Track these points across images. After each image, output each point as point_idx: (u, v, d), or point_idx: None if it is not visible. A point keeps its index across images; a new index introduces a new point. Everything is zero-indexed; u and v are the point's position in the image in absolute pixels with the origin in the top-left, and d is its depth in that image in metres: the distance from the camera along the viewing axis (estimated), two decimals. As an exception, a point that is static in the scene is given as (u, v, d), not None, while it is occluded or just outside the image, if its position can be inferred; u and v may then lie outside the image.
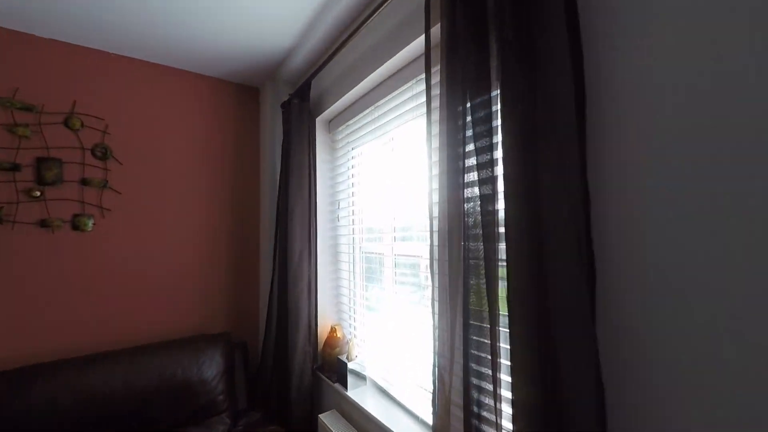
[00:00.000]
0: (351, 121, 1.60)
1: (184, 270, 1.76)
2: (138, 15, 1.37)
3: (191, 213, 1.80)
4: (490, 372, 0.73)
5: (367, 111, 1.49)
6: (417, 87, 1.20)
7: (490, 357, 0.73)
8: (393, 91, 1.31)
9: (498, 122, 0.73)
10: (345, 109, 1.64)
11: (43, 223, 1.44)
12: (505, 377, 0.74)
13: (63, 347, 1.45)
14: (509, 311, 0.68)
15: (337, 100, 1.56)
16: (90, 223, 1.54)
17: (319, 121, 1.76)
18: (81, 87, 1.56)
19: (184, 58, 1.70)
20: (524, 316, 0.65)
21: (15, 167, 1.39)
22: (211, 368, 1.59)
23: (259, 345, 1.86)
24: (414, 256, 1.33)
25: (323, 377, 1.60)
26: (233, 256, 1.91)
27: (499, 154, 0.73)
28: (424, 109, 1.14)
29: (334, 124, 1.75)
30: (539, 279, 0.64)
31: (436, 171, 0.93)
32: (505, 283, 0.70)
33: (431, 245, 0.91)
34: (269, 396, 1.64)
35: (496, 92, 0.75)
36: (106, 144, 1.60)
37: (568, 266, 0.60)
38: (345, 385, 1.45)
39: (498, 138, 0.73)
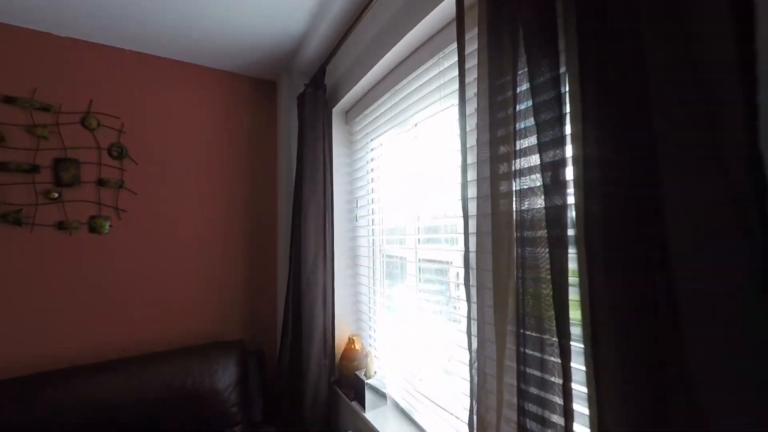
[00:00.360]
0: (369, 110, 1.44)
1: (199, 274, 1.70)
2: (152, 7, 1.30)
3: (206, 214, 1.74)
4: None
5: (385, 96, 1.32)
6: (444, 62, 1.01)
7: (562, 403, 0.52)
8: (414, 70, 1.12)
9: (566, 88, 0.52)
10: (362, 97, 1.48)
11: (61, 226, 1.42)
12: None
13: (74, 352, 1.43)
14: (596, 334, 0.47)
15: (353, 86, 1.40)
16: (107, 225, 1.51)
17: (336, 112, 1.62)
18: (97, 85, 1.53)
19: (196, 49, 1.63)
20: (625, 351, 0.44)
21: (34, 168, 1.39)
22: (224, 378, 1.50)
23: (277, 353, 1.75)
24: (442, 261, 1.14)
25: (340, 393, 1.45)
26: (250, 259, 1.82)
27: (569, 129, 0.52)
28: (453, 88, 0.95)
29: (351, 114, 1.59)
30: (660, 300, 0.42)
31: (471, 159, 0.74)
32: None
33: (466, 251, 0.72)
34: (284, 410, 1.52)
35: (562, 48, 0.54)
36: (121, 143, 1.56)
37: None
38: (363, 405, 1.29)
39: (568, 109, 0.52)
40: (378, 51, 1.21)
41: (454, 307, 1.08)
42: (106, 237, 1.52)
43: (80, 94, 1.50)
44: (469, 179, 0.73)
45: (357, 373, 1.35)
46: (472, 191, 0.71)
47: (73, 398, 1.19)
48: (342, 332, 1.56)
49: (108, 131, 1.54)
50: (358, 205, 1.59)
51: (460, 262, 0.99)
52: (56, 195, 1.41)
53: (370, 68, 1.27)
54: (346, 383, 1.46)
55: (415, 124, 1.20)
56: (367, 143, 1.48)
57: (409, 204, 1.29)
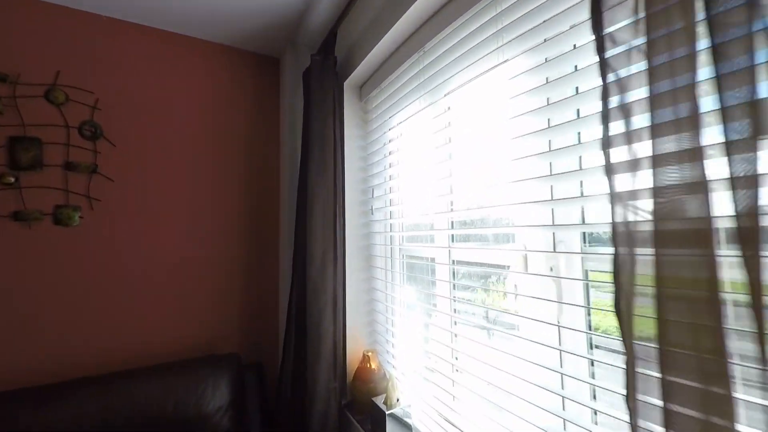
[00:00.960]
0: (389, 80, 1.20)
1: (187, 276, 1.46)
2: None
3: (197, 207, 1.50)
4: None
5: (411, 60, 1.08)
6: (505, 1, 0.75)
7: None
8: (455, 18, 0.87)
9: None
10: (381, 65, 1.24)
11: (18, 216, 1.19)
12: None
13: (28, 371, 1.18)
14: None
15: (369, 52, 1.16)
16: (76, 216, 1.27)
17: (348, 86, 1.37)
18: (66, 55, 1.30)
19: (184, 17, 1.40)
20: None
21: (-15, 148, 1.15)
22: (214, 400, 1.26)
23: (278, 372, 1.51)
24: (493, 265, 0.89)
25: (353, 420, 1.20)
26: (248, 259, 1.58)
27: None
28: (517, 32, 0.70)
29: (366, 88, 1.35)
30: None
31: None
32: None
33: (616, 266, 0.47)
34: (284, 440, 1.27)
35: None
36: (96, 122, 1.33)
37: None
38: (382, 440, 1.04)
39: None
40: (402, 1, 0.96)
41: (512, 328, 0.84)
42: (75, 231, 1.28)
43: (45, 64, 1.26)
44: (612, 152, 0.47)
45: (376, 400, 1.10)
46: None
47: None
48: (355, 347, 1.32)
49: (79, 107, 1.31)
50: (374, 195, 1.35)
51: (519, 265, 0.75)
52: (12, 180, 1.17)
53: (392, 25, 1.02)
54: (360, 408, 1.21)
55: (447, 93, 0.96)
56: (385, 121, 1.24)
57: (440, 192, 1.05)
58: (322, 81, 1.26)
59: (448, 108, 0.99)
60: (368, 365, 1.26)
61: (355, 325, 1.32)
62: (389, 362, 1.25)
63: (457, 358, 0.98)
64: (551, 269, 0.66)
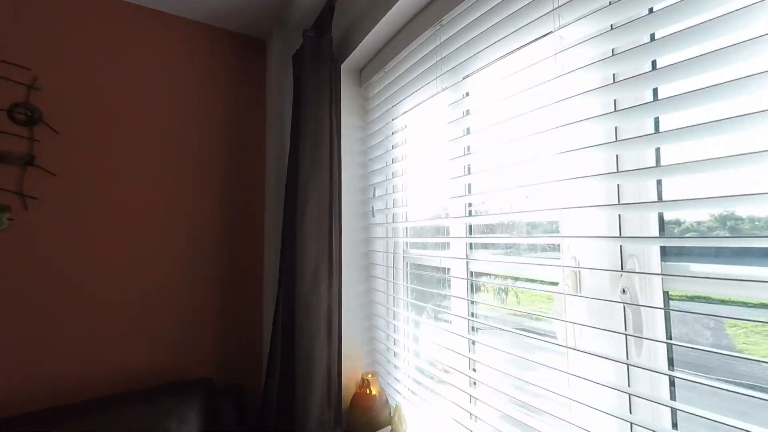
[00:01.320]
0: (394, 62, 1.03)
1: (154, 293, 1.23)
2: None
3: (168, 209, 1.27)
4: None
5: (422, 38, 0.92)
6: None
7: None
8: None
9: None
10: (385, 44, 1.07)
11: None
12: None
13: None
14: None
15: (373, 27, 0.99)
16: (4, 218, 1.02)
17: (346, 70, 1.20)
18: (-6, 17, 1.05)
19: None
20: None
21: None
22: (180, 437, 1.04)
23: (260, 399, 1.31)
24: (517, 278, 0.75)
25: (350, 458, 1.03)
26: (228, 271, 1.36)
27: None
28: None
29: (367, 72, 1.18)
30: None
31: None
32: None
33: None
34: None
35: None
36: (32, 104, 1.08)
37: None
38: (388, 485, 0.88)
39: None
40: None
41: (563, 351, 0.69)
42: (3, 235, 1.03)
43: (-36, 25, 1.01)
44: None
45: (379, 438, 0.93)
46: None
47: None
48: (352, 370, 1.14)
49: (9, 86, 1.06)
50: (375, 195, 1.18)
51: (569, 282, 0.60)
52: None
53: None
54: (358, 442, 1.04)
55: (467, 76, 0.80)
56: (389, 110, 1.07)
57: (455, 192, 0.89)
58: (316, 63, 1.08)
59: (466, 94, 0.84)
60: (368, 391, 1.09)
61: (353, 345, 1.15)
62: (391, 385, 1.09)
63: (475, 384, 0.83)
64: (624, 291, 0.52)
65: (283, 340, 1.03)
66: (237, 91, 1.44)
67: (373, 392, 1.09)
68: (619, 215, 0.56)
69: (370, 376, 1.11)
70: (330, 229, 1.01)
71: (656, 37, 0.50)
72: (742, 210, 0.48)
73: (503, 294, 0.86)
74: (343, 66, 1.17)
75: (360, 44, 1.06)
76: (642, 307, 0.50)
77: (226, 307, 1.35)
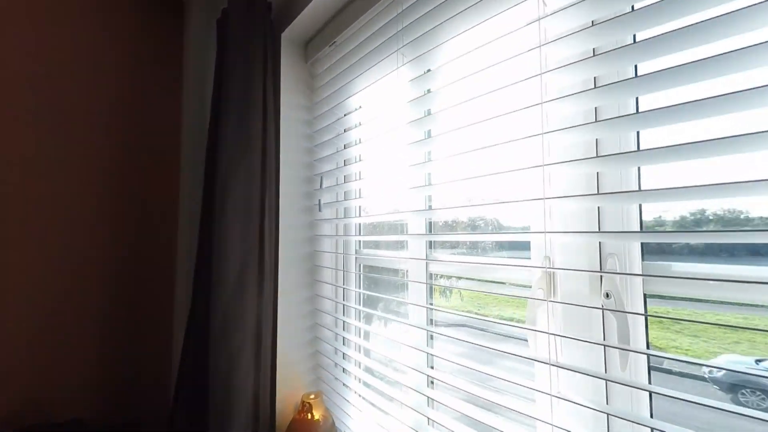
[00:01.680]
0: (348, 32, 0.89)
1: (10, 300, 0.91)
2: None
3: (38, 204, 0.96)
4: None
5: (382, 5, 0.79)
6: None
7: None
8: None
9: None
10: (337, 13, 0.92)
11: None
12: None
13: None
14: None
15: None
16: None
17: (288, 41, 1.02)
18: None
19: None
20: None
21: None
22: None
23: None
24: (488, 281, 0.65)
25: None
26: (122, 275, 1.09)
27: None
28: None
29: (314, 45, 1.02)
30: None
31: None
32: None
33: None
34: None
35: None
36: None
37: None
38: None
39: None
40: None
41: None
42: None
43: None
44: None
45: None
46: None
47: None
48: (290, 392, 0.96)
49: None
50: (323, 186, 1.01)
51: (542, 285, 0.52)
52: None
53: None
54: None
55: (435, 47, 0.69)
56: (341, 88, 0.92)
57: (415, 182, 0.78)
58: (249, 26, 0.89)
59: (430, 70, 0.73)
60: (309, 416, 0.92)
61: (291, 363, 0.96)
62: (339, 406, 0.93)
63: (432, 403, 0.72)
64: (607, 295, 0.44)
65: (195, 363, 0.81)
66: (144, 61, 1.18)
67: (316, 417, 0.92)
68: (599, 207, 0.48)
69: (312, 397, 0.93)
70: (261, 224, 0.82)
71: (635, 8, 0.43)
72: (732, 203, 0.43)
73: (457, 296, 0.76)
74: (284, 35, 1.00)
75: (304, 10, 0.90)
76: (629, 315, 0.42)
77: (117, 324, 1.07)
